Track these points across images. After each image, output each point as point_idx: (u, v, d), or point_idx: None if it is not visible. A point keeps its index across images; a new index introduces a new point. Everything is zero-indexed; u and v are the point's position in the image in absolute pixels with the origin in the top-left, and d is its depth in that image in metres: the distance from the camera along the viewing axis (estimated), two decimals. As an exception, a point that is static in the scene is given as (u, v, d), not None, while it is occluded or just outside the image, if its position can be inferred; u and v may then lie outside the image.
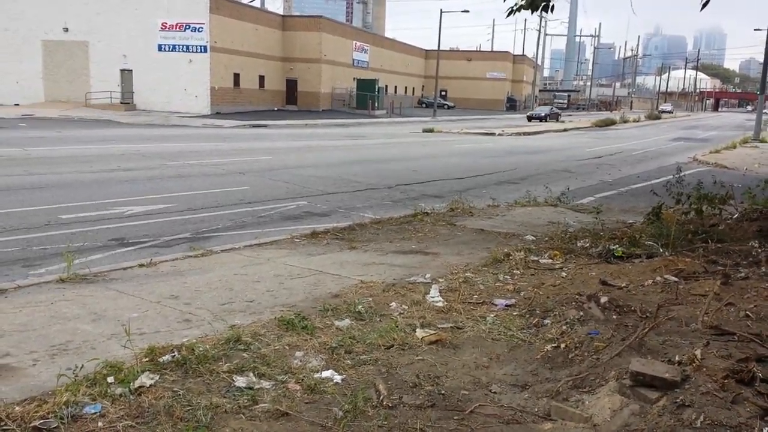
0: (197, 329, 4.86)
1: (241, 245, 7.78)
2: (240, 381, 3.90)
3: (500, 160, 21.33)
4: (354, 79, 59.42)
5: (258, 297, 5.74)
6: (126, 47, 45.22)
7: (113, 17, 44.97)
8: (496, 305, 5.52)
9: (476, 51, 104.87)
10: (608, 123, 53.57)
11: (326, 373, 4.08)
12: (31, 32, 46.34)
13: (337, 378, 4.03)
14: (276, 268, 6.77)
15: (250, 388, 3.81)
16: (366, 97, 54.76)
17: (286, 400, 3.69)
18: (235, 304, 5.51)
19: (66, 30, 46.39)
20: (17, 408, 3.46)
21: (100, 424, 3.33)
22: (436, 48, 62.55)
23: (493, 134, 36.26)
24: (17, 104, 44.41)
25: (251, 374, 3.99)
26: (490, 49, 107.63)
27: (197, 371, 3.99)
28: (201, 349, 4.25)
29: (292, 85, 55.09)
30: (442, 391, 3.90)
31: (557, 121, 55.74)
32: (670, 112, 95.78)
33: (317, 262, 7.06)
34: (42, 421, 3.33)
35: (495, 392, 3.94)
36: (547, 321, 5.00)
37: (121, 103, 44.66)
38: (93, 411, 3.43)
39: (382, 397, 3.73)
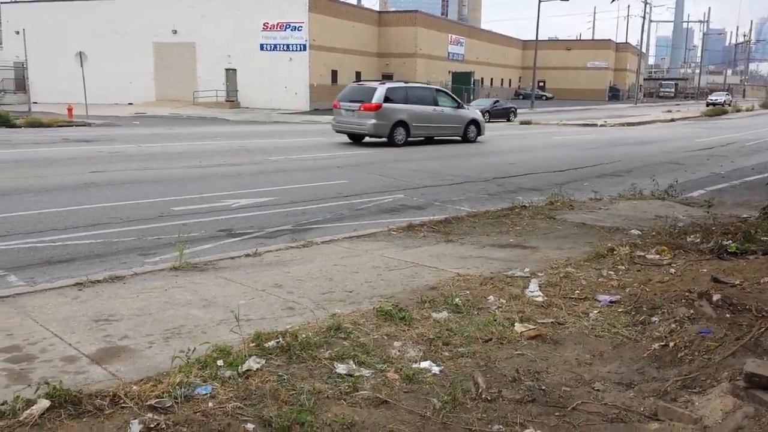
0: (300, 317, 5.01)
1: (340, 237, 7.94)
2: (341, 368, 3.99)
3: (602, 152, 20.60)
4: (449, 72, 59.18)
5: (357, 287, 5.84)
6: (230, 47, 47.10)
7: (218, 19, 46.94)
8: (599, 301, 5.35)
9: (576, 40, 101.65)
10: (719, 112, 50.69)
11: (424, 364, 4.10)
12: (143, 35, 49.15)
13: (435, 369, 4.04)
14: (373, 259, 6.86)
15: (351, 375, 3.89)
16: (461, 90, 54.35)
17: (386, 389, 3.74)
18: (335, 294, 5.64)
19: (175, 32, 48.88)
20: (134, 387, 3.70)
21: (210, 404, 3.50)
22: (533, 38, 61.14)
23: (594, 125, 35.07)
24: (131, 103, 47.25)
25: (351, 362, 4.08)
26: (590, 38, 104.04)
27: (300, 357, 4.12)
28: (304, 336, 4.38)
29: (388, 79, 55.52)
30: (543, 387, 3.82)
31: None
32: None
33: (414, 254, 7.10)
34: (157, 400, 3.54)
35: (598, 390, 3.83)
36: (654, 319, 4.80)
37: (226, 101, 46.61)
38: (204, 392, 3.62)
39: (480, 390, 3.71)
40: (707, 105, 61.64)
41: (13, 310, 5.07)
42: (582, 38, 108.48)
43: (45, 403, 3.40)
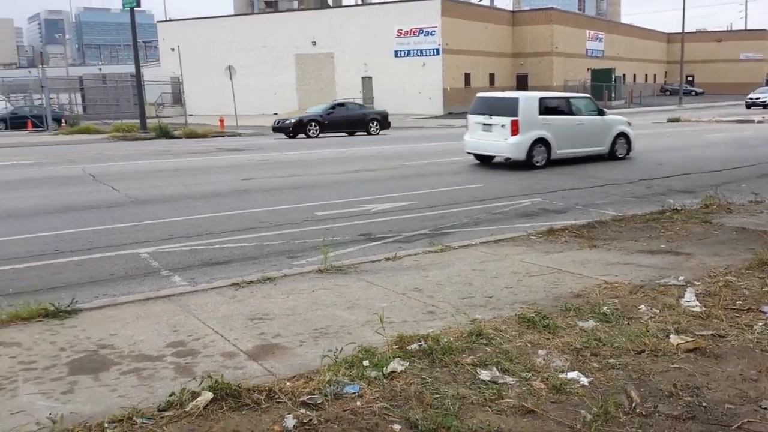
0: (440, 321, 5.04)
1: (478, 241, 7.89)
2: (484, 374, 3.97)
3: (762, 150, 18.94)
4: (588, 69, 56.99)
5: (497, 293, 5.78)
6: (366, 56, 48.34)
7: (355, 29, 48.34)
8: (764, 313, 4.92)
9: (727, 31, 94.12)
10: None
11: (572, 374, 3.98)
12: (285, 48, 51.65)
13: (584, 380, 3.91)
14: (513, 264, 6.75)
15: (495, 383, 3.85)
16: (601, 88, 52.17)
17: (532, 398, 3.67)
18: (475, 299, 5.61)
19: (314, 44, 50.93)
20: (288, 383, 3.89)
21: (358, 403, 3.61)
22: (679, 30, 57.39)
23: (751, 121, 32.31)
24: (275, 113, 49.77)
25: (495, 368, 4.04)
26: (743, 28, 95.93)
27: (443, 361, 4.14)
28: (445, 340, 4.40)
29: (522, 80, 54.48)
30: (704, 403, 3.58)
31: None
32: None
33: (556, 260, 6.91)
34: (309, 396, 3.70)
35: (766, 408, 3.52)
36: (832, 333, 4.34)
37: (363, 108, 47.83)
38: (352, 391, 3.74)
39: (634, 404, 3.54)
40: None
41: (178, 308, 5.52)
42: (733, 29, 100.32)
43: (208, 396, 3.67)
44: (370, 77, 49.06)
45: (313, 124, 28.87)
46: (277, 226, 9.30)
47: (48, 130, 33.05)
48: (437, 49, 46.38)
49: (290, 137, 28.10)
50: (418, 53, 47.12)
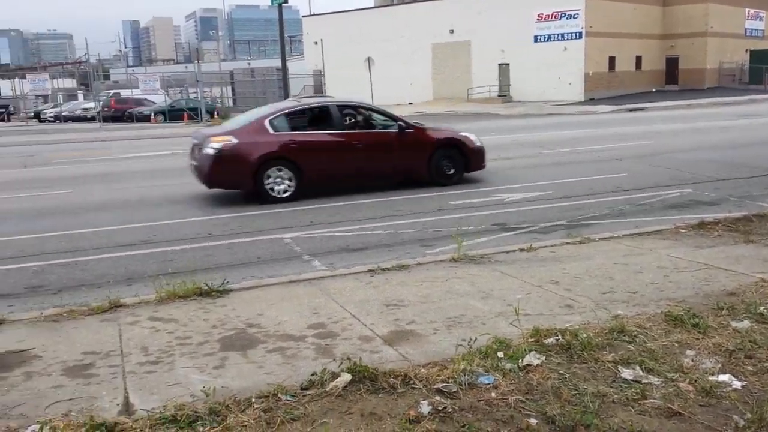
0: (579, 315, 4.88)
1: (620, 234, 7.54)
2: (626, 373, 3.80)
3: None
4: (746, 50, 52.33)
5: (641, 288, 5.50)
6: (504, 42, 47.42)
7: (493, 15, 47.50)
8: None
9: None
10: None
11: (723, 377, 3.71)
12: (422, 37, 51.84)
13: (737, 384, 3.64)
14: (659, 259, 6.39)
15: (638, 382, 3.68)
16: (761, 71, 47.73)
17: (678, 400, 3.47)
18: (616, 294, 5.38)
19: (451, 32, 50.69)
20: (422, 370, 3.95)
21: (493, 394, 3.59)
22: None
23: None
24: (411, 103, 50.22)
25: (638, 367, 3.86)
26: None
27: (582, 357, 4.02)
28: (584, 335, 4.26)
29: (672, 63, 51.05)
30: None
31: None
32: None
33: (706, 255, 6.45)
34: (443, 384, 3.73)
35: None
36: None
37: (499, 96, 47.08)
38: (487, 381, 3.72)
39: (796, 414, 3.24)
40: None
41: (318, 291, 5.76)
42: None
43: (347, 377, 3.81)
44: (508, 64, 48.07)
45: None
46: (411, 215, 9.42)
47: (202, 122, 35.52)
48: (580, 33, 44.52)
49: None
50: (559, 37, 45.50)
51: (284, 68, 34.36)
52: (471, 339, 4.21)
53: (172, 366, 4.24)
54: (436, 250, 7.37)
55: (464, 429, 3.27)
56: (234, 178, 10.64)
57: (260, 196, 10.51)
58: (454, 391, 3.65)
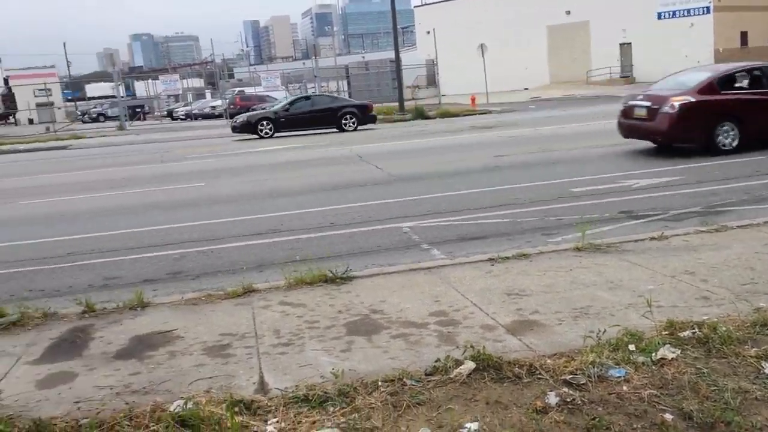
0: (717, 308, 4.60)
1: (761, 221, 7.01)
2: (771, 369, 3.55)
3: None
4: None
5: (787, 280, 5.10)
6: (624, 21, 45.27)
7: (613, -7, 45.44)
8: None
9: None
10: None
11: None
12: (537, 20, 50.52)
13: None
14: (808, 248, 5.89)
15: (786, 379, 3.43)
16: None
17: (835, 401, 3.20)
18: (758, 285, 5.02)
19: (568, 13, 49.05)
20: (548, 361, 3.88)
21: (624, 388, 3.47)
22: None
23: None
24: (526, 88, 49.13)
25: (785, 364, 3.59)
26: None
27: (721, 352, 3.79)
28: (724, 329, 4.02)
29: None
30: None
31: None
32: None
33: None
34: (571, 376, 3.65)
35: None
36: None
37: (621, 77, 45.08)
38: (617, 375, 3.60)
39: None
40: None
41: (438, 279, 5.79)
42: None
43: (471, 365, 3.81)
44: (629, 43, 45.87)
45: (264, 122, 25.44)
46: (530, 203, 9.23)
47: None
48: (708, 7, 41.71)
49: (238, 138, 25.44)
50: (685, 13, 42.85)
51: (398, 60, 34.63)
52: (599, 330, 4.08)
53: (303, 348, 4.42)
54: (558, 239, 7.19)
55: (594, 422, 3.18)
56: (690, 134, 12.35)
57: (710, 150, 12.07)
58: (583, 383, 3.56)
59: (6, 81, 43.20)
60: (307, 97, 28.50)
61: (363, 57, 76.89)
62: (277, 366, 4.15)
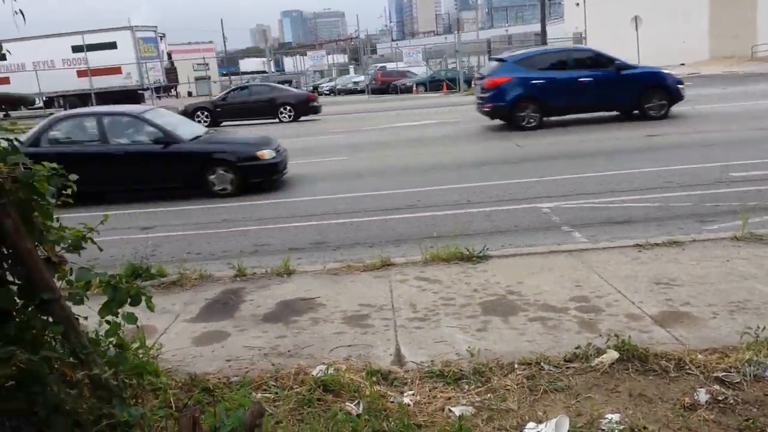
0: None
1: None
2: None
3: None
4: None
5: None
6: (803, -13, 40.66)
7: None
8: None
9: None
10: None
11: None
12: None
13: None
14: None
15: None
16: None
17: None
18: None
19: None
20: (699, 356, 3.65)
21: (786, 391, 3.20)
22: None
23: None
24: (682, 64, 45.70)
25: None
26: None
27: None
28: None
29: None
30: None
31: None
32: None
33: None
34: (724, 373, 3.41)
35: None
36: None
37: (794, 51, 40.66)
38: (778, 376, 3.32)
39: None
40: None
41: (580, 263, 5.60)
42: None
43: (614, 354, 3.67)
44: (807, 14, 41.19)
45: (201, 112, 24.87)
46: (684, 187, 8.63)
47: (460, 92, 36.30)
48: None
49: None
50: None
51: (543, 32, 33.50)
52: (758, 327, 3.77)
53: (438, 324, 4.47)
54: (715, 227, 6.69)
55: (748, 423, 2.97)
56: None
57: None
58: (737, 382, 3.32)
59: (169, 55, 46.72)
60: (244, 87, 28.12)
61: (506, 30, 75.07)
62: (413, 340, 4.23)
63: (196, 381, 3.63)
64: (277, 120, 25.10)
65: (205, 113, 25.12)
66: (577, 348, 3.80)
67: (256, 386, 3.59)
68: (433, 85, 40.45)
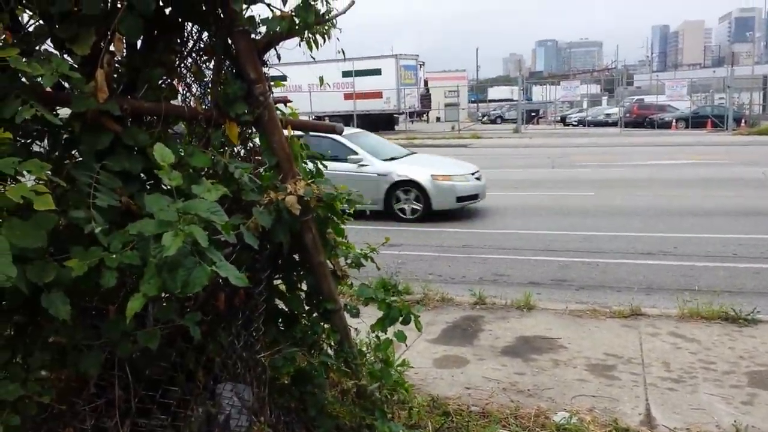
0: None
1: None
2: None
3: None
4: None
5: None
6: None
7: None
8: None
9: None
10: None
11: None
12: None
13: None
14: None
15: None
16: None
17: None
18: None
19: None
20: None
21: None
22: None
23: None
24: None
25: None
26: None
27: None
28: None
29: None
30: None
31: None
32: None
33: None
34: None
35: None
36: None
37: None
38: None
39: None
40: None
41: None
42: None
43: None
44: None
45: None
46: None
47: (727, 130, 32.95)
48: None
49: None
50: None
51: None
52: None
53: (695, 389, 4.07)
54: None
55: None
56: None
57: None
58: None
59: (426, 83, 49.26)
60: None
61: (790, 65, 66.41)
62: (666, 402, 3.90)
63: (438, 404, 3.73)
64: None
65: None
66: None
67: (495, 420, 3.58)
68: (695, 121, 37.25)
